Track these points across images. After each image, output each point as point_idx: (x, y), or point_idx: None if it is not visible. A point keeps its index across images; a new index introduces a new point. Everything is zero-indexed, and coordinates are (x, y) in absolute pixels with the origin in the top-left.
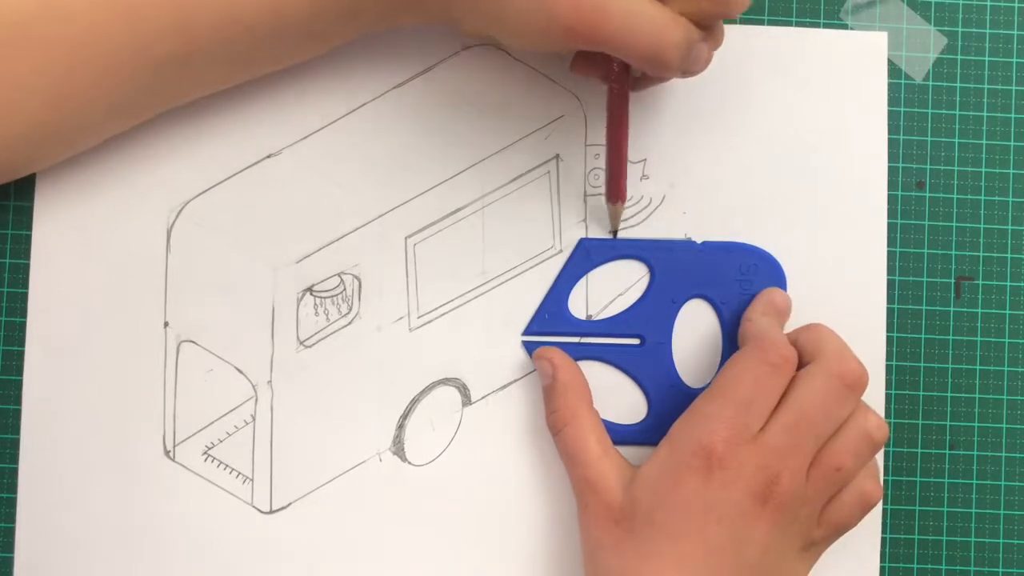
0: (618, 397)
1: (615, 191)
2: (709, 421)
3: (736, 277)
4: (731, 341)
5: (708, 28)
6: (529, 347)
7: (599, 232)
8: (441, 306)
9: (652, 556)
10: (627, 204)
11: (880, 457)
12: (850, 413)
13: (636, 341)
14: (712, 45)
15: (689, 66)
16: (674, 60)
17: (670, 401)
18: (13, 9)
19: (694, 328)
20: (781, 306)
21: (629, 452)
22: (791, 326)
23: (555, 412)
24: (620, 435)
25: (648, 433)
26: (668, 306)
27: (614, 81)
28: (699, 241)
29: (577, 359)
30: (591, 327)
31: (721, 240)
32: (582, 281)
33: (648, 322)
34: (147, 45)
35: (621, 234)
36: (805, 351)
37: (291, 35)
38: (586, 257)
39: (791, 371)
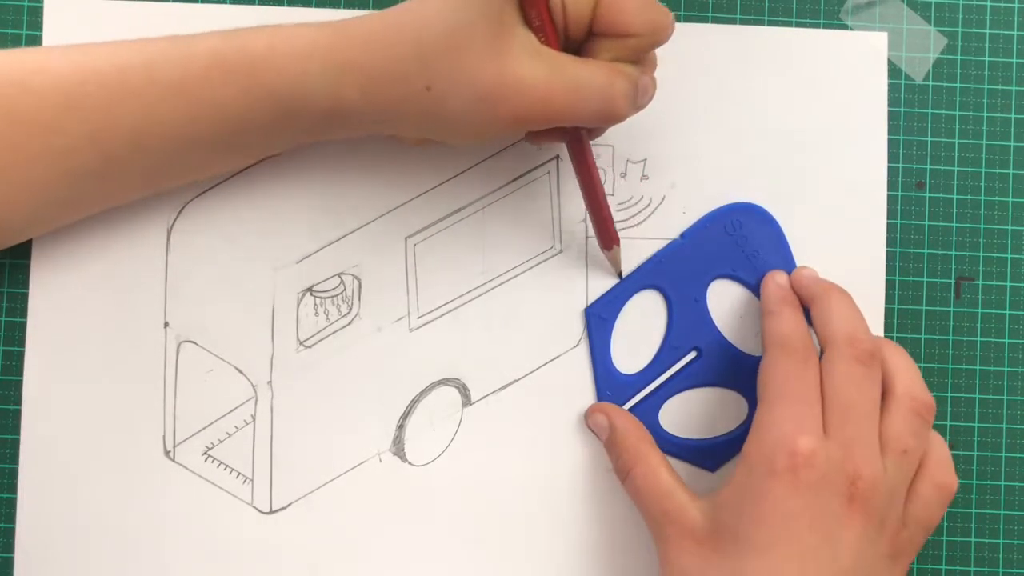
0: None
1: (607, 238)
2: (779, 425)
3: (731, 243)
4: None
5: (643, 61)
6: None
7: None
8: (441, 306)
9: (744, 572)
10: (627, 204)
11: (944, 446)
12: (881, 390)
13: (694, 354)
14: (650, 71)
15: (640, 104)
16: (626, 108)
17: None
18: None
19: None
20: (784, 284)
21: None
22: None
23: (620, 457)
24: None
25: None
26: (696, 306)
27: (571, 141)
28: (679, 234)
29: (662, 404)
30: (651, 373)
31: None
32: (614, 339)
33: (691, 332)
34: (62, 158)
35: (626, 239)
36: (818, 331)
37: (209, 149)
38: (600, 322)
39: (816, 359)
